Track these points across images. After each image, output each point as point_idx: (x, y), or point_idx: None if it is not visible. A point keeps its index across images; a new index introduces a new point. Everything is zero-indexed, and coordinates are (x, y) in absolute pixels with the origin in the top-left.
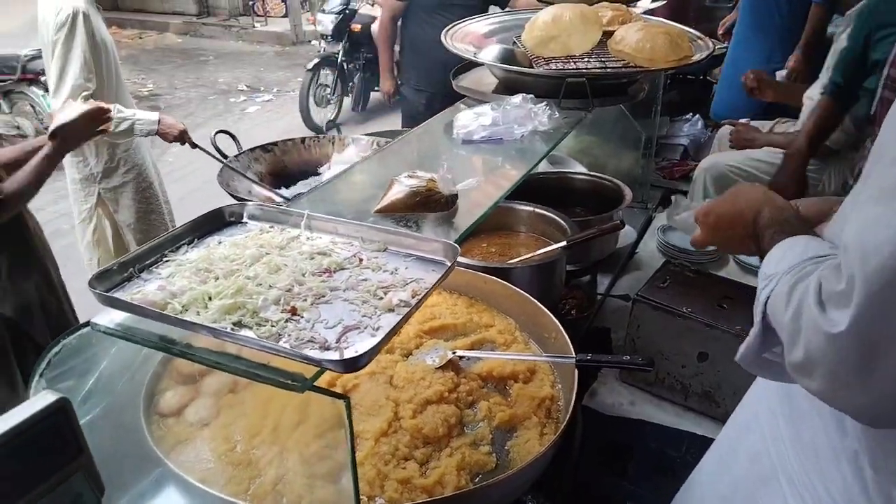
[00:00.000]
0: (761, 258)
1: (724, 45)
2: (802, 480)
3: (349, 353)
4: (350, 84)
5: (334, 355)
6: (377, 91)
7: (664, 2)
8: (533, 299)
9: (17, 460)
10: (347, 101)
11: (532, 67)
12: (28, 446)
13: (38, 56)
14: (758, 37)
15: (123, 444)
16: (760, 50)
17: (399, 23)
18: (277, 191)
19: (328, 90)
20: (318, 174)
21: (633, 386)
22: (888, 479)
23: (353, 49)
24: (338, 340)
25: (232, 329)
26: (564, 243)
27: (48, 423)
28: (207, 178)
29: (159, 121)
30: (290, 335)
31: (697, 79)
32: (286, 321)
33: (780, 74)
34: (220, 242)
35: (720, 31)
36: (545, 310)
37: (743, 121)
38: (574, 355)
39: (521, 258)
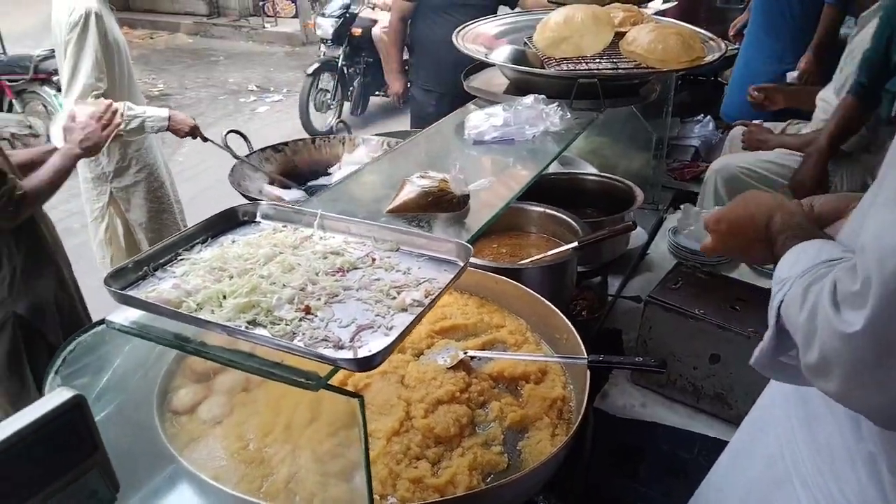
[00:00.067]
0: (774, 264)
1: (736, 46)
2: (817, 482)
3: (363, 353)
4: (350, 89)
5: (348, 354)
6: (377, 95)
7: (675, 3)
8: (544, 300)
9: (34, 457)
10: (347, 105)
11: (543, 68)
12: (44, 443)
13: (50, 56)
14: (769, 38)
15: (137, 442)
16: (772, 51)
17: (408, 23)
18: (295, 184)
19: (328, 95)
20: (329, 174)
21: (645, 388)
22: None
23: (354, 53)
24: (351, 339)
25: (246, 327)
26: (576, 244)
27: (64, 420)
28: (218, 178)
29: (170, 117)
30: (304, 334)
31: (708, 80)
32: (300, 320)
33: (792, 76)
34: (233, 241)
35: (731, 33)
36: (556, 310)
37: (755, 122)
38: (586, 356)
39: (533, 259)
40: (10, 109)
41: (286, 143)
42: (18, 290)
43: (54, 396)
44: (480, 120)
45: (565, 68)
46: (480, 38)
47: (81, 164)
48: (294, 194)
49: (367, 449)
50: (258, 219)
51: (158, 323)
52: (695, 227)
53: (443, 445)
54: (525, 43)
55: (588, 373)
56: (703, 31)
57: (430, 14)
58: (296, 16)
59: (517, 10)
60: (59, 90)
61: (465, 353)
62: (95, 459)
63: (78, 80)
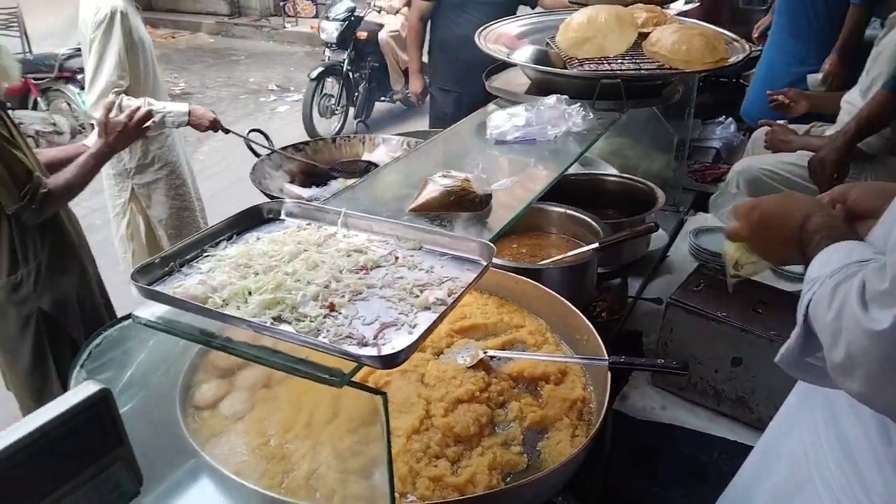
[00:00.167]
0: (804, 265)
1: (759, 47)
2: (840, 485)
3: (387, 350)
4: (356, 94)
5: (372, 351)
6: (382, 100)
7: (697, 4)
8: (565, 301)
9: (60, 449)
10: (352, 111)
11: (566, 68)
12: (70, 436)
13: (74, 55)
14: (793, 39)
15: (159, 436)
16: (795, 52)
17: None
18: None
19: (332, 100)
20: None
21: (665, 390)
22: None
23: (359, 58)
24: (375, 337)
25: (272, 324)
26: (597, 245)
27: (90, 414)
28: (238, 176)
29: (190, 112)
30: (328, 331)
31: (730, 81)
32: (324, 317)
33: (815, 78)
34: (258, 239)
35: (755, 35)
36: (577, 311)
37: (779, 122)
38: (607, 357)
39: (553, 259)
40: (35, 107)
41: (307, 143)
42: (43, 286)
43: (81, 390)
44: (502, 120)
45: (588, 69)
46: (502, 38)
47: None
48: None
49: (389, 446)
50: (282, 216)
51: (184, 318)
52: (731, 209)
53: (462, 444)
54: (547, 43)
55: (609, 374)
56: (726, 32)
57: (449, 14)
58: (316, 16)
59: (537, 9)
60: (83, 88)
61: (485, 352)
62: (120, 452)
63: (100, 78)
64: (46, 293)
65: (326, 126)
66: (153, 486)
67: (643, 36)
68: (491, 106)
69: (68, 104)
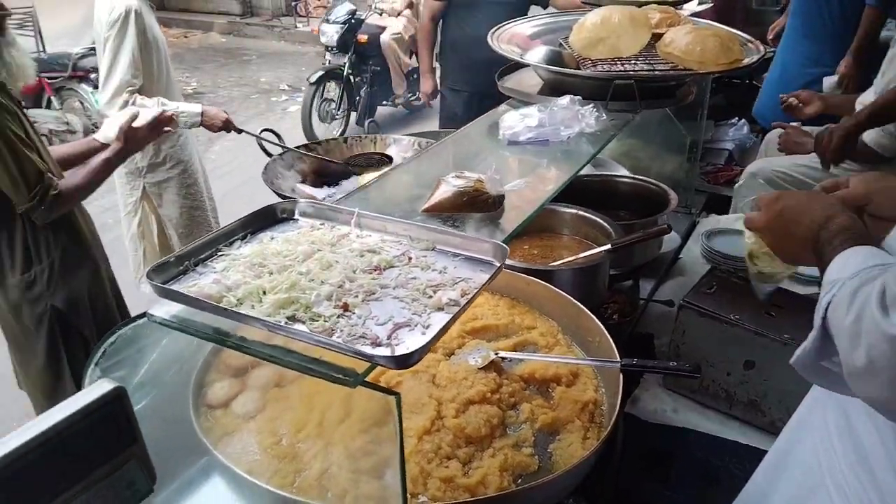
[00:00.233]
0: (819, 268)
1: (773, 49)
2: (855, 491)
3: (400, 350)
4: (357, 98)
5: (386, 351)
6: (385, 105)
7: (711, 5)
8: (576, 302)
9: (75, 447)
10: (353, 115)
11: (579, 69)
12: (85, 434)
13: (88, 54)
14: (807, 40)
15: (171, 434)
16: (809, 54)
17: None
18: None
19: (333, 105)
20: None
21: (677, 393)
22: None
23: (360, 61)
24: (389, 337)
25: (286, 323)
26: (609, 246)
27: (105, 412)
28: (250, 175)
29: (203, 112)
30: (342, 330)
31: (743, 83)
32: (338, 317)
33: (830, 80)
34: (272, 238)
35: (770, 36)
36: (589, 313)
37: (793, 124)
38: (619, 360)
39: (565, 260)
40: (49, 106)
41: (318, 142)
42: (56, 284)
43: (96, 388)
44: (515, 120)
45: (601, 69)
46: (515, 38)
47: None
48: (326, 194)
49: (402, 446)
50: (296, 216)
51: (198, 317)
52: (753, 199)
53: (473, 446)
54: (560, 44)
55: (621, 376)
56: (741, 33)
57: (460, 14)
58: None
59: (549, 9)
60: (96, 87)
61: (497, 353)
62: (134, 451)
63: (114, 77)
64: (60, 291)
65: (326, 131)
66: (165, 485)
67: (657, 37)
68: (503, 106)
69: (81, 103)
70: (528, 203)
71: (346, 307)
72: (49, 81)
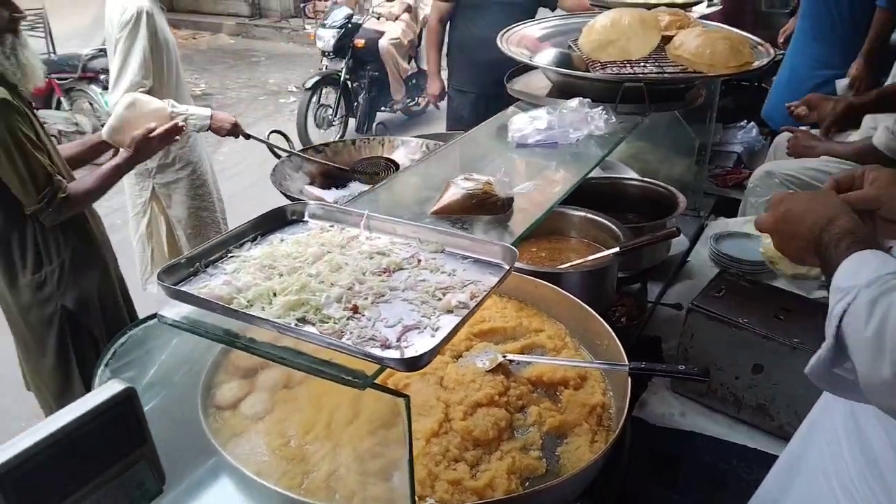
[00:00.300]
0: (823, 270)
1: (783, 52)
2: (864, 495)
3: (410, 353)
4: (355, 104)
5: (395, 354)
6: (383, 111)
7: (719, 7)
8: (584, 305)
9: (86, 447)
10: (352, 122)
11: (588, 72)
12: (95, 434)
13: (97, 55)
14: (817, 42)
15: (180, 435)
16: (818, 56)
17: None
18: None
19: (330, 111)
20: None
21: (685, 397)
22: None
23: (358, 66)
24: (398, 339)
25: (296, 325)
26: (617, 249)
27: (115, 412)
28: (258, 176)
29: (211, 116)
30: (351, 332)
31: (752, 85)
32: (348, 319)
33: (842, 83)
34: (282, 240)
35: (780, 40)
36: (597, 316)
37: (802, 128)
38: (627, 363)
39: (573, 263)
40: (59, 107)
41: (327, 144)
42: (67, 284)
43: (106, 388)
44: (524, 123)
45: (610, 72)
46: (524, 40)
47: None
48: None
49: (411, 449)
50: (306, 218)
51: (209, 319)
52: (768, 200)
53: (481, 448)
54: (569, 46)
55: (629, 380)
56: (751, 35)
57: (467, 15)
58: None
59: (558, 11)
60: (105, 88)
61: (504, 356)
62: (144, 451)
63: (125, 77)
64: (70, 291)
65: (323, 137)
66: (174, 486)
67: (666, 39)
68: (512, 109)
69: (91, 104)
70: (537, 206)
71: (355, 309)
72: (59, 82)
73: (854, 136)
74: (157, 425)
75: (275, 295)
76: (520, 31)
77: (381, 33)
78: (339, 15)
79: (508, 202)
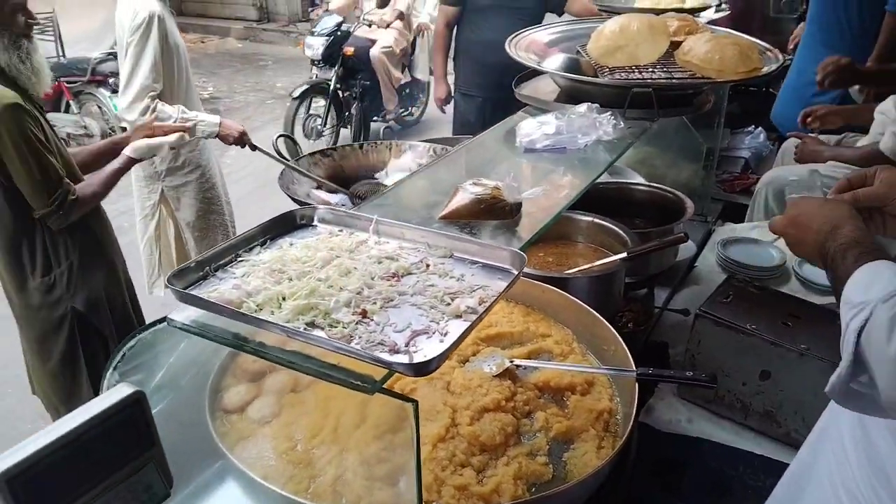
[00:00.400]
0: (829, 278)
1: (791, 58)
2: (869, 499)
3: (418, 358)
4: (346, 114)
5: (404, 359)
6: (375, 121)
7: (728, 12)
8: (592, 310)
9: (95, 450)
10: (345, 132)
11: (597, 77)
12: (105, 437)
13: (106, 59)
14: (825, 48)
15: (187, 439)
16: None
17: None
18: (342, 189)
19: (319, 121)
20: (375, 179)
21: (692, 403)
22: None
23: (348, 75)
24: (406, 344)
25: (305, 329)
26: (625, 255)
27: (124, 416)
28: (266, 180)
29: (220, 123)
30: (360, 337)
31: (760, 91)
32: (357, 323)
33: (853, 88)
34: (291, 244)
35: (790, 46)
36: (604, 321)
37: (810, 134)
38: (634, 369)
39: (580, 268)
40: (68, 110)
41: (334, 148)
42: (76, 286)
43: (115, 392)
44: (532, 128)
45: (619, 77)
46: (533, 45)
47: None
48: (340, 199)
49: (418, 454)
50: (315, 222)
51: (218, 322)
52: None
53: (488, 454)
54: (578, 51)
55: (636, 386)
56: (760, 41)
57: (474, 19)
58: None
59: (565, 17)
60: (114, 92)
61: (511, 361)
62: (152, 454)
63: (135, 81)
64: (79, 293)
65: (312, 148)
66: (181, 489)
67: (675, 44)
68: (520, 114)
69: (99, 107)
70: (545, 211)
71: (364, 314)
72: (68, 86)
73: (862, 142)
74: (164, 428)
75: (284, 299)
76: (528, 37)
77: (373, 41)
78: (328, 23)
79: (517, 207)
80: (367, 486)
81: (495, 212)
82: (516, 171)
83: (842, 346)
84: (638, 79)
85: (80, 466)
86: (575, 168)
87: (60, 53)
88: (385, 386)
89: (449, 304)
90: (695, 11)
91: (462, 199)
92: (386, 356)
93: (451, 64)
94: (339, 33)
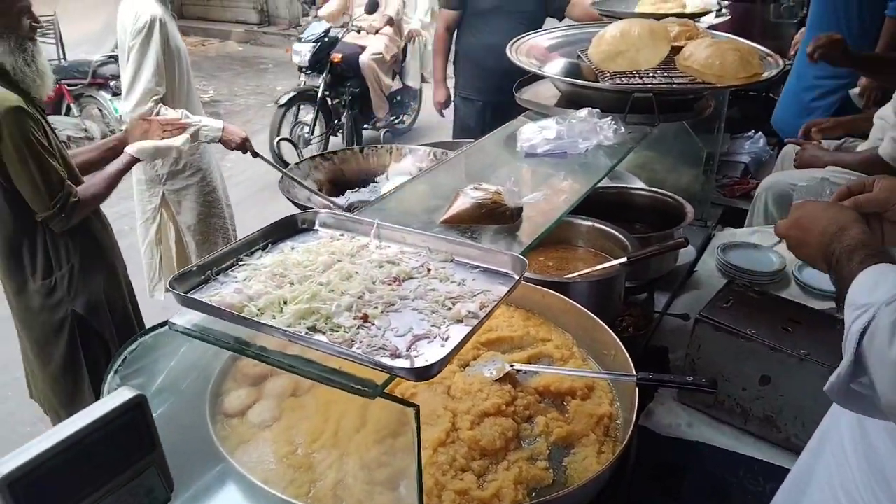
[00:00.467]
0: (833, 279)
1: (791, 63)
2: (868, 502)
3: (420, 362)
4: (336, 121)
5: (405, 363)
6: (366, 129)
7: (728, 17)
8: (592, 315)
9: (96, 454)
10: (335, 140)
11: (598, 82)
12: (106, 441)
13: (107, 62)
14: None
15: (187, 442)
16: (825, 65)
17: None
18: (334, 199)
19: (307, 129)
20: (376, 183)
21: (692, 407)
22: None
23: (337, 82)
24: (408, 349)
25: (306, 333)
26: (625, 259)
27: (125, 419)
28: (264, 184)
29: (223, 128)
30: (361, 341)
31: (760, 95)
32: (358, 328)
33: (853, 92)
34: (293, 248)
35: (791, 53)
36: (604, 326)
37: (812, 142)
38: (635, 373)
39: (581, 273)
40: (68, 113)
41: (335, 152)
42: (77, 289)
43: (117, 396)
44: (533, 132)
45: (619, 82)
46: (534, 50)
47: (136, 166)
48: (339, 202)
49: (419, 459)
50: (316, 226)
51: (219, 326)
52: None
53: (488, 458)
54: (579, 56)
55: (636, 390)
56: (761, 47)
57: (474, 23)
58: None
59: (566, 21)
60: (114, 95)
61: (512, 366)
62: (153, 458)
63: (139, 85)
64: (80, 296)
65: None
66: (181, 492)
67: (675, 50)
68: (521, 118)
69: (100, 110)
70: (546, 216)
71: (365, 318)
72: (69, 88)
73: (861, 147)
74: (165, 432)
75: (285, 303)
76: (529, 41)
77: (363, 48)
78: (316, 29)
79: (518, 212)
80: (368, 491)
81: (496, 216)
82: (517, 175)
83: (843, 346)
84: (639, 84)
85: (81, 470)
86: (575, 173)
87: (61, 56)
88: (386, 390)
89: (450, 308)
90: (695, 17)
91: (463, 203)
92: (387, 361)
93: (450, 68)
94: (326, 40)
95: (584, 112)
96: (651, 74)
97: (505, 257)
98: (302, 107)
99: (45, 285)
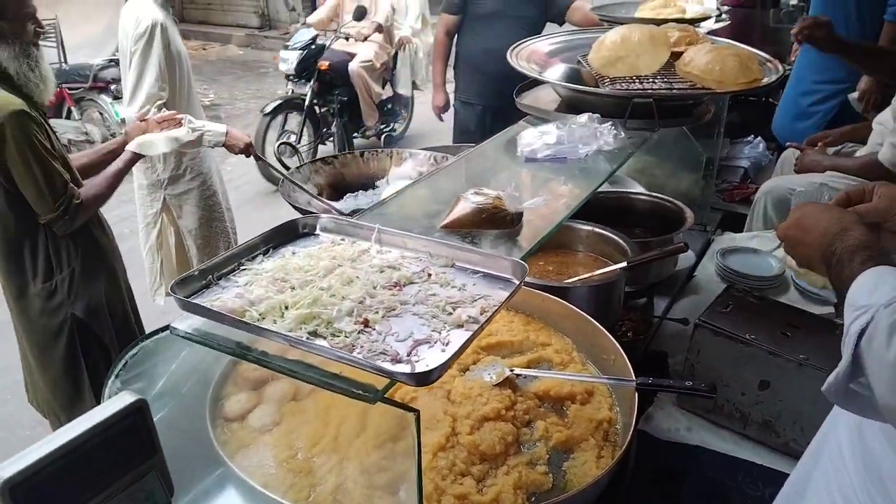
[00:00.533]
0: (832, 280)
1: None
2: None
3: (420, 367)
4: (325, 130)
5: (406, 368)
6: (355, 137)
7: (727, 23)
8: (591, 320)
9: (97, 458)
10: (324, 149)
11: (598, 87)
12: (107, 445)
13: (108, 65)
14: (824, 57)
15: (187, 446)
16: (825, 71)
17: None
18: (332, 203)
19: (294, 137)
20: (376, 187)
21: (691, 412)
22: None
23: (325, 90)
24: (409, 354)
25: (307, 338)
26: (625, 264)
27: (126, 424)
28: (264, 188)
29: (227, 133)
30: (362, 346)
31: (759, 101)
32: (359, 333)
33: (853, 97)
34: (294, 253)
35: (791, 57)
36: (604, 331)
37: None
38: (634, 378)
39: (580, 277)
40: (69, 116)
41: (335, 156)
42: (77, 292)
43: (118, 400)
44: (533, 137)
45: (619, 87)
46: (534, 55)
47: (137, 171)
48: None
49: (419, 463)
50: (317, 231)
51: (221, 331)
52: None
53: (488, 463)
54: (579, 61)
55: (636, 395)
56: (760, 52)
57: (474, 28)
58: None
59: (566, 27)
60: (115, 98)
61: (511, 370)
62: (154, 462)
63: (142, 89)
64: (80, 299)
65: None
66: (181, 496)
67: (675, 55)
68: (521, 123)
69: (101, 114)
70: (546, 220)
71: (366, 323)
72: (70, 92)
73: (861, 152)
74: (165, 436)
75: (287, 308)
76: (529, 47)
77: (352, 55)
78: (302, 36)
79: (518, 217)
80: (368, 495)
81: (496, 221)
82: (517, 180)
83: (842, 346)
84: (639, 89)
85: (82, 474)
86: (575, 178)
87: (62, 60)
88: (386, 395)
89: (450, 313)
90: (695, 22)
91: (463, 208)
92: (388, 365)
93: (450, 72)
94: (313, 47)
95: (584, 117)
96: (651, 80)
97: (505, 262)
98: (290, 115)
99: (45, 289)
